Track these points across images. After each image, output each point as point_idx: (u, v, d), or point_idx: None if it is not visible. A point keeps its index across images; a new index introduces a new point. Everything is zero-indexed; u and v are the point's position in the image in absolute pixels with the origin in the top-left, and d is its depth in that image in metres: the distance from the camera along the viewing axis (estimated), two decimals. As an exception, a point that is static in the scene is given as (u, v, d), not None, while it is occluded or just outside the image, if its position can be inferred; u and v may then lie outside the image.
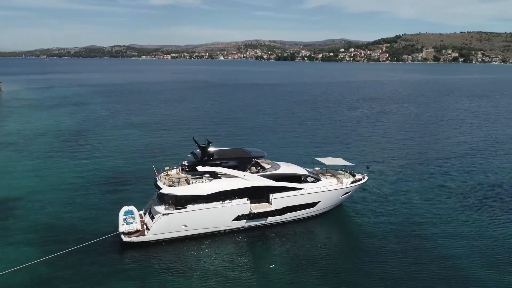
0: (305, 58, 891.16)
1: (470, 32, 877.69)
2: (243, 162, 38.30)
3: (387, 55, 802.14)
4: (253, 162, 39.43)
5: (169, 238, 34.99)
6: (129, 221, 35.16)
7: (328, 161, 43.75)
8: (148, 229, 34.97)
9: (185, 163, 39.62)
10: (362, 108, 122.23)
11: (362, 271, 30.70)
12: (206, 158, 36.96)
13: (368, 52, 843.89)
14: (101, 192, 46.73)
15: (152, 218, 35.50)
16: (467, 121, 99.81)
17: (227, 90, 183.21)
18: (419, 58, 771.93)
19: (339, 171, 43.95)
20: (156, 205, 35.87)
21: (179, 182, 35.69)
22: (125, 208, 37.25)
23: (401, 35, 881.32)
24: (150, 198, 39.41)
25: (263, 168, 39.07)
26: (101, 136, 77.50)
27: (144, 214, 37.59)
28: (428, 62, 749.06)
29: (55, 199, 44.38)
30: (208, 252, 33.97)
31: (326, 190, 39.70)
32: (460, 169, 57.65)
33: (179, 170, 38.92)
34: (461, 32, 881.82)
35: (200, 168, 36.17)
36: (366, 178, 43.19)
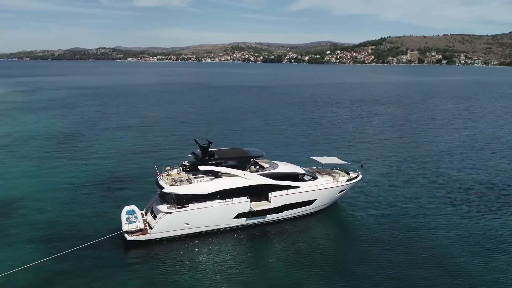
0: (292, 60, 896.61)
1: (453, 34, 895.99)
2: (242, 162, 39.37)
3: (373, 57, 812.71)
4: (252, 161, 40.58)
5: (171, 236, 35.76)
6: (132, 220, 35.80)
7: (324, 160, 45.06)
8: (150, 227, 35.66)
9: (186, 163, 40.46)
10: (351, 110, 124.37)
11: (359, 264, 31.98)
12: (207, 158, 37.88)
13: (354, 54, 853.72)
14: (101, 193, 47.16)
15: (155, 217, 36.19)
16: (453, 122, 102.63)
17: (217, 92, 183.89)
18: (404, 60, 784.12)
19: (335, 170, 45.31)
20: (158, 204, 36.59)
21: (181, 181, 36.50)
22: (127, 208, 37.87)
23: (386, 37, 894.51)
24: (151, 198, 40.13)
25: (262, 167, 40.16)
26: (95, 138, 77.60)
27: (146, 213, 38.25)
28: (412, 64, 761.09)
29: (55, 200, 44.66)
30: (210, 249, 34.82)
31: (322, 188, 40.96)
32: (448, 167, 59.72)
33: (180, 169, 39.73)
34: (444, 35, 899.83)
35: (201, 168, 37.07)
36: (360, 176, 44.63)
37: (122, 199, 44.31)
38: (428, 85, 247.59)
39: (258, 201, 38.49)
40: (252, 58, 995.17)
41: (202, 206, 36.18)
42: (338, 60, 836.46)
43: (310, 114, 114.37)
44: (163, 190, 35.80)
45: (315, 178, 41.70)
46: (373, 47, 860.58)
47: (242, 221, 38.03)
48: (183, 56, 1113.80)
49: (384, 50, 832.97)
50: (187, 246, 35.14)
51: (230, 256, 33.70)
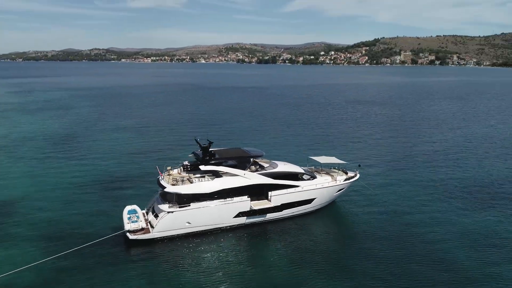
0: (286, 61, 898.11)
1: (445, 35, 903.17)
2: (242, 161, 39.92)
3: (367, 58, 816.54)
4: (252, 161, 41.15)
5: (173, 235, 36.19)
6: (134, 219, 36.19)
7: (322, 159, 45.73)
8: (152, 227, 36.07)
9: (186, 162, 40.92)
10: (347, 110, 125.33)
11: (358, 260, 32.68)
12: (208, 158, 38.37)
13: (348, 55, 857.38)
14: (101, 193, 47.45)
15: (156, 216, 36.61)
16: (447, 122, 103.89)
17: (212, 93, 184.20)
18: (397, 61, 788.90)
19: (333, 169, 45.98)
20: (160, 204, 37.02)
21: (182, 181, 36.96)
22: (128, 208, 38.32)
23: (379, 38, 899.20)
24: (152, 197, 40.53)
25: (262, 167, 40.73)
26: (93, 138, 77.73)
27: (147, 212, 38.65)
28: (406, 65, 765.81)
29: (56, 200, 44.90)
30: (211, 248, 35.31)
31: (321, 187, 41.59)
32: (443, 166, 60.70)
33: (181, 169, 40.18)
34: (437, 36, 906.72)
35: (202, 167, 37.56)
36: (358, 175, 45.35)
37: (123, 199, 44.66)
38: (421, 85, 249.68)
39: (258, 200, 39.02)
40: (246, 59, 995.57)
41: (203, 205, 36.65)
42: (332, 61, 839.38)
43: (306, 114, 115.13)
44: (165, 190, 36.22)
45: (314, 177, 42.34)
46: (367, 48, 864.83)
47: (243, 220, 38.54)
48: (177, 57, 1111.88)
49: (377, 51, 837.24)
50: (189, 245, 35.60)
51: (231, 255, 34.19)
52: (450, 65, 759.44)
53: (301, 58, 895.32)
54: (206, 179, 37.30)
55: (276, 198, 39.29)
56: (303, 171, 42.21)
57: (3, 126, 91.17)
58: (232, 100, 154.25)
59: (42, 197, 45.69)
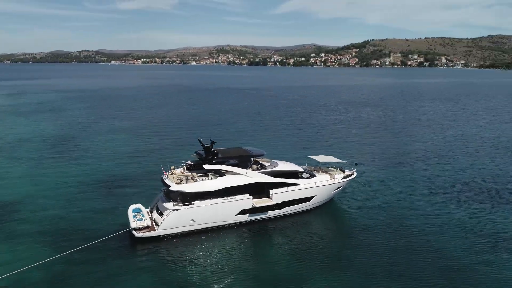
0: (277, 63, 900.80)
1: (434, 37, 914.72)
2: (244, 161, 41.04)
3: (357, 59, 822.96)
4: (253, 160, 42.29)
5: (178, 232, 37.09)
6: (139, 217, 37.03)
7: (320, 158, 47.05)
8: (157, 224, 36.92)
9: (189, 162, 41.87)
10: (340, 111, 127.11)
11: (356, 255, 33.98)
12: (211, 157, 39.38)
13: (339, 57, 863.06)
14: (103, 193, 48.13)
15: (161, 214, 37.48)
16: (437, 122, 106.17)
17: (207, 95, 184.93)
18: (387, 63, 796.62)
19: (331, 168, 47.28)
20: (164, 202, 37.89)
21: (187, 179, 37.89)
22: (132, 206, 39.17)
23: (369, 40, 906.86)
24: (156, 196, 41.39)
25: (263, 166, 41.86)
26: (90, 140, 78.07)
27: (151, 211, 39.49)
28: (395, 66, 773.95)
29: (60, 200, 45.46)
30: (215, 244, 36.30)
31: (320, 185, 42.85)
32: (436, 164, 62.54)
33: (184, 168, 41.11)
34: (426, 38, 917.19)
35: (206, 166, 38.57)
36: (355, 174, 46.73)
37: (126, 198, 45.37)
38: (412, 87, 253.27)
39: (259, 198, 40.12)
40: (237, 61, 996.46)
41: (207, 203, 37.62)
42: (323, 63, 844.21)
43: (301, 115, 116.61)
44: (170, 188, 37.10)
45: (313, 176, 43.60)
46: (357, 50, 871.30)
47: (245, 217, 39.58)
48: (168, 59, 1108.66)
49: (367, 53, 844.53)
50: (193, 242, 36.53)
51: (234, 251, 35.23)
52: (438, 66, 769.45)
53: (292, 60, 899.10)
54: (210, 177, 38.30)
55: (277, 196, 40.41)
56: (302, 170, 43.49)
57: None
58: (227, 101, 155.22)
59: (46, 197, 46.22)
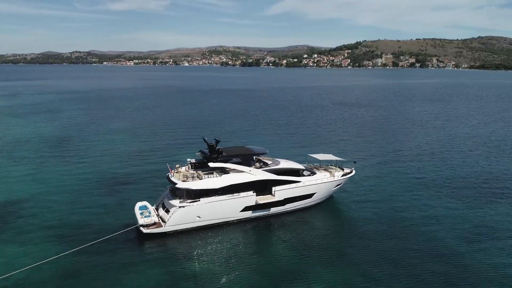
0: (270, 64, 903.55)
1: (425, 39, 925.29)
2: (247, 159, 42.27)
3: (349, 61, 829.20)
4: (256, 158, 43.51)
5: (184, 228, 38.15)
6: (146, 214, 38.01)
7: (320, 156, 48.44)
8: (164, 221, 37.93)
9: (193, 160, 42.95)
10: (335, 112, 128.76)
11: (355, 249, 35.38)
12: (216, 155, 40.50)
13: (331, 58, 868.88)
14: (108, 192, 48.99)
15: (167, 211, 38.49)
16: (431, 122, 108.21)
17: (202, 96, 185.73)
18: (379, 64, 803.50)
19: (330, 166, 48.64)
20: (170, 199, 38.92)
21: (193, 177, 38.98)
22: (139, 204, 40.14)
23: (361, 41, 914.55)
24: (162, 193, 42.41)
25: (266, 164, 43.09)
26: (90, 141, 78.64)
27: (157, 208, 40.49)
28: (387, 67, 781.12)
29: (65, 199, 46.28)
30: (220, 240, 37.41)
31: (321, 183, 44.17)
32: (431, 162, 64.30)
33: (189, 167, 42.17)
34: (417, 39, 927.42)
35: (211, 164, 39.69)
36: (353, 171, 48.15)
37: (130, 196, 46.24)
38: (404, 87, 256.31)
39: (263, 195, 41.34)
40: (230, 62, 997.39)
41: (212, 200, 38.72)
42: (315, 64, 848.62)
43: (296, 116, 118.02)
44: (176, 186, 38.12)
45: (314, 173, 44.91)
46: (349, 51, 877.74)
47: (249, 213, 40.76)
48: (161, 60, 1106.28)
49: (360, 54, 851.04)
50: (199, 238, 37.62)
51: (239, 246, 36.42)
52: (429, 67, 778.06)
53: (284, 61, 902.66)
54: (215, 175, 39.42)
55: (280, 193, 41.65)
56: (303, 168, 44.79)
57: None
58: (222, 102, 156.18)
59: (52, 196, 46.99)
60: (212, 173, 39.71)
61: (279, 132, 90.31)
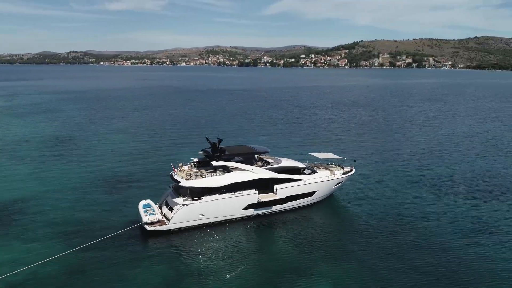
0: (268, 64, 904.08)
1: (422, 39, 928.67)
2: (250, 158, 42.86)
3: (346, 61, 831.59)
4: (258, 157, 44.12)
5: (188, 226, 38.70)
6: (150, 212, 38.55)
7: (321, 155, 49.13)
8: (167, 219, 38.47)
9: (196, 159, 43.53)
10: (334, 112, 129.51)
11: (355, 246, 36.02)
12: (219, 154, 41.09)
13: (328, 58, 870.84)
14: (110, 191, 49.46)
15: (171, 209, 39.04)
16: (429, 122, 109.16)
17: (201, 96, 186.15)
18: (376, 64, 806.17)
19: (330, 165, 49.32)
20: (174, 197, 39.47)
21: (196, 176, 39.55)
22: (143, 202, 40.68)
23: (358, 41, 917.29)
24: (165, 192, 42.97)
25: (268, 163, 43.69)
26: (90, 141, 79.00)
27: (160, 206, 41.04)
28: (384, 67, 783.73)
29: (69, 198, 46.71)
30: (223, 237, 38.02)
31: (322, 181, 44.84)
32: (429, 161, 65.16)
33: (191, 166, 42.73)
34: (414, 39, 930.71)
35: (214, 163, 40.25)
36: (353, 170, 48.84)
37: (133, 195, 46.80)
38: (401, 87, 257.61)
39: (265, 193, 41.94)
40: (227, 62, 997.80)
41: (215, 198, 39.30)
42: (313, 64, 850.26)
43: (295, 115, 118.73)
44: (180, 184, 38.67)
45: (314, 172, 45.58)
46: (346, 51, 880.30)
47: (251, 211, 41.37)
48: (158, 60, 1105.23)
49: (357, 54, 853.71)
50: (202, 235, 38.21)
51: (241, 243, 37.01)
52: (426, 67, 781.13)
53: (282, 61, 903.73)
54: (218, 173, 39.98)
55: (281, 191, 42.28)
56: (304, 166, 45.45)
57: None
58: (221, 102, 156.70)
59: (55, 195, 47.43)
60: (215, 172, 40.24)
61: (279, 132, 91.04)
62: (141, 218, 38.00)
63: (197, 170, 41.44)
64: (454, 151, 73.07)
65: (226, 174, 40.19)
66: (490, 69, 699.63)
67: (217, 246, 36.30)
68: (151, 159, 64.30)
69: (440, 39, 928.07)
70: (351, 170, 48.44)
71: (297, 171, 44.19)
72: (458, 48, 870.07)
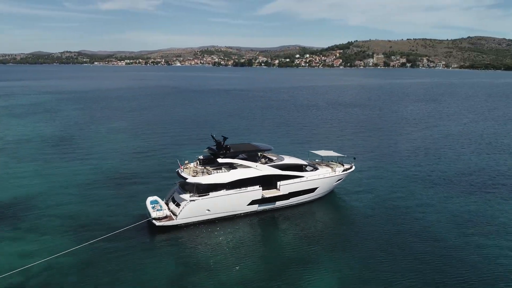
0: (262, 64, 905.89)
1: (416, 39, 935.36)
2: (254, 155, 44.18)
3: (341, 61, 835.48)
4: (261, 155, 45.42)
5: (195, 221, 39.87)
6: (158, 208, 39.66)
7: (322, 153, 50.53)
8: (175, 214, 39.60)
9: (201, 157, 44.72)
10: (331, 111, 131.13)
11: (355, 240, 37.37)
12: (224, 151, 42.31)
13: (323, 58, 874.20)
14: (117, 187, 50.54)
15: (178, 205, 40.18)
16: (424, 121, 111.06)
17: (197, 96, 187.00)
18: (371, 64, 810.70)
19: (331, 162, 50.71)
20: (180, 193, 40.62)
21: (202, 172, 40.74)
22: (150, 198, 41.81)
23: (353, 41, 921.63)
24: (171, 188, 44.11)
25: (271, 160, 45.03)
26: (92, 140, 79.84)
27: (167, 202, 42.15)
28: (379, 67, 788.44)
29: (76, 196, 47.64)
30: (229, 232, 39.21)
31: (323, 178, 46.21)
32: (426, 158, 66.83)
33: (197, 163, 43.89)
34: (407, 39, 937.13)
35: (220, 160, 41.46)
36: (353, 167, 50.27)
37: (140, 192, 47.87)
38: (396, 87, 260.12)
39: (268, 189, 43.24)
40: (222, 62, 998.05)
41: (221, 194, 40.52)
42: (307, 64, 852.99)
43: (293, 115, 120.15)
44: (187, 181, 39.83)
45: (316, 169, 46.96)
46: (341, 51, 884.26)
47: (255, 207, 42.64)
48: (152, 60, 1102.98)
49: (351, 54, 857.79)
50: (209, 230, 39.38)
51: (247, 238, 38.30)
52: (420, 67, 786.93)
53: (276, 61, 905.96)
54: (223, 170, 41.20)
55: (284, 187, 43.59)
56: (306, 163, 46.81)
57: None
58: (217, 102, 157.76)
59: (62, 193, 48.39)
60: (220, 168, 41.45)
61: (279, 131, 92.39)
62: (149, 214, 39.11)
63: (203, 167, 42.61)
64: (450, 149, 74.85)
65: (231, 171, 41.40)
66: (483, 69, 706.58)
67: (223, 240, 37.51)
68: (154, 157, 65.40)
69: (434, 39, 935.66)
70: (351, 167, 49.85)
71: (299, 168, 45.52)
72: (451, 48, 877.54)
